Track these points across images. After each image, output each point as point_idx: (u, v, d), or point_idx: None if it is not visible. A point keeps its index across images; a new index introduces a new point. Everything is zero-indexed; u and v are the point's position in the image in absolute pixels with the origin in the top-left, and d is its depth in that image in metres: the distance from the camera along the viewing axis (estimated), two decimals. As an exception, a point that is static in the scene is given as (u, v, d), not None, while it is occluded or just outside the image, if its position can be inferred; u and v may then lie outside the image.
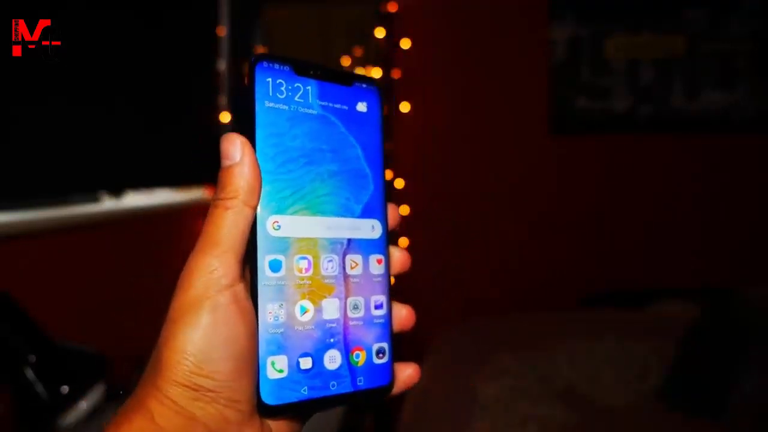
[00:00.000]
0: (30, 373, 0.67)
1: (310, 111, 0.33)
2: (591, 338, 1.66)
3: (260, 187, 0.31)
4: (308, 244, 0.32)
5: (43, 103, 1.18)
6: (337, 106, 0.34)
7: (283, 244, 0.31)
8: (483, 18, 2.30)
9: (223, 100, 1.96)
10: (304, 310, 0.32)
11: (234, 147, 0.30)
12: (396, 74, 2.21)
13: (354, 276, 0.34)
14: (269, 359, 0.30)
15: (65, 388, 0.69)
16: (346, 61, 2.08)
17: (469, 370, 1.54)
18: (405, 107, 2.23)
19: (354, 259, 0.34)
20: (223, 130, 1.97)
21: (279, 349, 0.31)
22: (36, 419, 0.68)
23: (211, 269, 0.29)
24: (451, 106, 2.33)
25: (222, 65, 1.95)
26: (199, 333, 0.28)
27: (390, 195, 0.36)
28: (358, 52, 2.08)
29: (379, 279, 0.35)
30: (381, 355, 0.34)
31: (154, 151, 1.58)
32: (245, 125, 0.31)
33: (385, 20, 2.07)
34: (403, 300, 0.37)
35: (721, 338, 1.52)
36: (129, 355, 1.43)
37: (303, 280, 0.32)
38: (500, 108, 2.33)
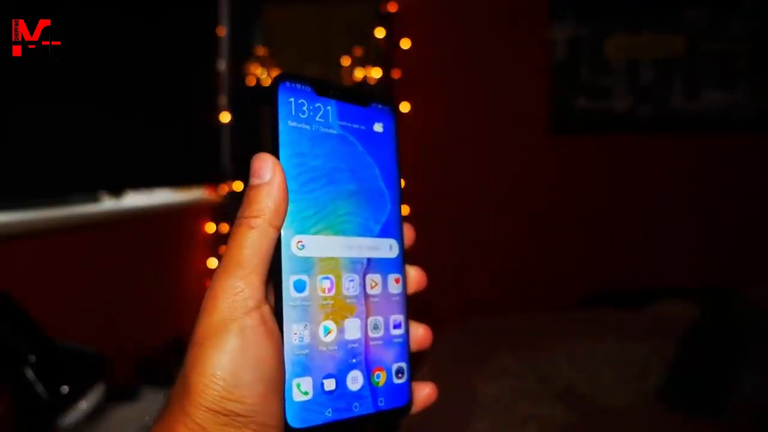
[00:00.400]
0: (30, 373, 0.67)
1: (331, 131, 0.33)
2: (591, 338, 1.66)
3: (286, 209, 0.30)
4: (331, 264, 0.32)
5: (43, 103, 1.18)
6: (356, 126, 0.35)
7: (307, 264, 0.31)
8: (483, 18, 2.30)
9: (223, 100, 1.96)
10: (327, 331, 0.32)
11: (265, 166, 0.30)
12: (396, 74, 2.21)
13: (374, 295, 0.34)
14: (295, 381, 0.30)
15: (65, 388, 0.69)
16: (346, 61, 2.07)
17: (469, 370, 1.54)
18: (405, 107, 2.23)
19: (374, 279, 0.34)
20: (223, 130, 1.97)
21: (304, 370, 0.30)
22: (36, 419, 0.68)
23: (237, 291, 0.28)
24: (451, 106, 2.33)
25: (222, 65, 1.95)
26: (227, 356, 0.28)
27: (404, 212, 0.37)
28: (358, 52, 2.07)
29: (397, 298, 0.35)
30: (400, 375, 0.34)
31: (154, 151, 1.58)
32: (269, 144, 0.31)
33: (385, 20, 2.07)
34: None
35: (721, 338, 1.52)
36: (129, 355, 1.44)
37: (326, 300, 0.32)
38: (500, 108, 2.33)
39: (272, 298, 0.31)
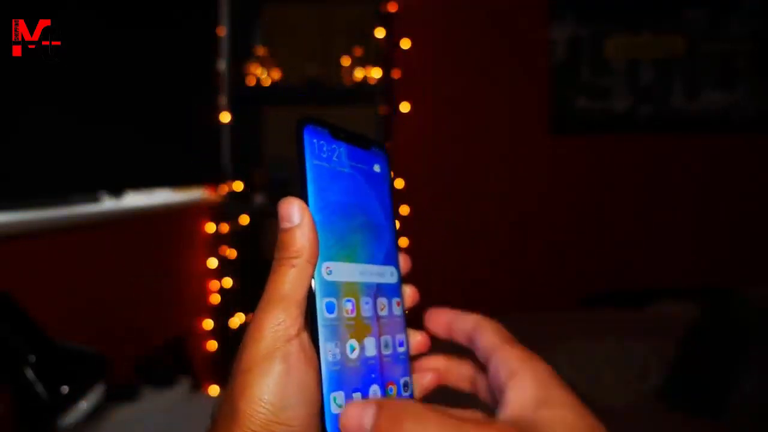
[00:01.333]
0: (30, 373, 0.67)
1: (343, 170, 0.37)
2: (591, 338, 1.66)
3: (318, 245, 0.33)
4: (351, 288, 0.35)
5: (43, 103, 1.18)
6: (360, 166, 0.39)
7: (335, 288, 0.34)
8: (483, 18, 2.30)
9: (223, 100, 1.96)
10: (352, 348, 0.34)
11: (293, 210, 0.33)
12: (396, 74, 2.21)
13: (383, 317, 0.37)
14: (332, 395, 0.32)
15: (65, 388, 0.69)
16: (346, 61, 2.07)
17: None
18: (405, 107, 2.23)
19: (382, 302, 0.38)
20: (223, 130, 1.97)
21: (338, 385, 0.33)
22: (36, 419, 0.68)
23: (279, 321, 0.31)
24: (451, 106, 2.33)
25: (222, 65, 1.95)
26: (274, 381, 0.30)
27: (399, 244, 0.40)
28: (358, 52, 2.07)
29: (399, 319, 0.39)
30: (406, 388, 0.38)
31: (154, 151, 1.58)
32: (300, 180, 0.34)
33: (385, 20, 2.07)
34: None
35: (721, 338, 1.52)
36: (129, 355, 1.44)
37: (350, 320, 0.35)
38: (500, 108, 2.33)
39: (309, 320, 0.34)
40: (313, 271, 0.33)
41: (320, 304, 0.33)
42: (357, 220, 0.37)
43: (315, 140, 0.35)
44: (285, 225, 0.33)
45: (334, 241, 0.35)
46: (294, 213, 0.32)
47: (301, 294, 0.32)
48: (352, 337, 0.34)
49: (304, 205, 0.33)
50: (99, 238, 1.41)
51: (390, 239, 0.40)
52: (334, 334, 0.33)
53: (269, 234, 2.29)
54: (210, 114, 1.94)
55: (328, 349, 0.33)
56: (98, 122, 1.35)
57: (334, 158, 0.36)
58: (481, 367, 0.37)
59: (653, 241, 2.32)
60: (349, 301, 0.35)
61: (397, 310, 0.39)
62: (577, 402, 0.31)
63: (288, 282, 0.32)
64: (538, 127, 2.32)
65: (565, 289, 2.31)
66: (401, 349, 0.38)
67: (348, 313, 0.35)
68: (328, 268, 0.34)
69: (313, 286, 0.33)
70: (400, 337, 0.38)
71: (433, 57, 2.31)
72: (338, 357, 0.33)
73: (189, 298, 1.92)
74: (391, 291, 0.38)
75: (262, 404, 0.29)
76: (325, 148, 0.36)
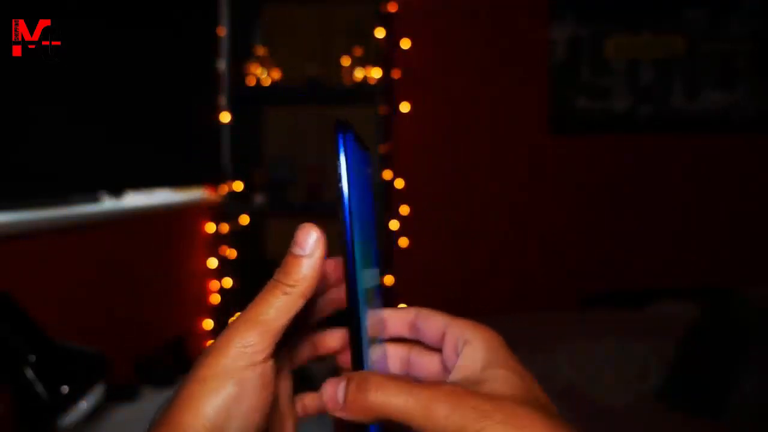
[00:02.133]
0: (30, 373, 0.67)
1: (360, 176, 0.36)
2: (591, 338, 1.66)
3: (315, 283, 0.32)
4: (369, 294, 0.35)
5: (43, 103, 1.18)
6: (367, 169, 0.38)
7: (365, 299, 0.34)
8: (483, 18, 2.30)
9: (223, 100, 1.96)
10: (372, 355, 0.34)
11: (309, 240, 0.31)
12: (396, 74, 2.21)
13: (378, 319, 0.37)
14: None
15: (65, 388, 0.69)
16: (346, 61, 2.07)
17: (469, 370, 1.54)
18: (405, 107, 2.23)
19: (377, 303, 0.37)
20: (223, 130, 1.97)
21: None
22: (36, 419, 0.68)
23: (249, 343, 0.30)
24: (451, 106, 2.33)
25: (222, 65, 1.95)
26: (221, 401, 0.29)
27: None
28: (358, 52, 2.07)
29: (382, 317, 0.39)
30: None
31: (154, 150, 1.58)
32: (343, 195, 0.32)
33: (385, 20, 2.07)
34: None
35: (721, 338, 1.52)
36: (129, 355, 1.44)
37: (368, 332, 0.35)
38: (500, 108, 2.33)
39: (349, 339, 0.33)
40: (303, 304, 0.31)
41: (364, 321, 0.32)
42: (368, 226, 0.36)
43: (350, 149, 0.33)
44: (296, 251, 0.31)
45: (362, 249, 0.34)
46: (309, 244, 0.31)
47: (281, 323, 0.30)
48: (372, 344, 0.34)
49: (322, 239, 0.31)
50: (99, 238, 1.41)
51: (376, 240, 0.39)
52: (367, 351, 0.32)
53: (269, 234, 2.29)
54: (210, 114, 1.94)
55: (371, 360, 0.32)
56: (98, 122, 1.35)
57: (358, 165, 0.35)
58: (425, 348, 0.37)
59: (653, 241, 2.32)
60: (369, 310, 0.34)
61: (380, 312, 0.39)
62: (519, 365, 0.33)
63: (274, 307, 0.30)
64: (538, 127, 2.32)
65: (565, 289, 2.31)
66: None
67: (369, 321, 0.34)
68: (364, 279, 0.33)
69: (352, 301, 0.32)
70: (383, 335, 0.38)
71: (433, 57, 2.31)
72: (369, 364, 0.33)
73: (189, 298, 1.92)
74: (378, 292, 0.38)
75: (203, 422, 0.28)
76: (353, 155, 0.34)
